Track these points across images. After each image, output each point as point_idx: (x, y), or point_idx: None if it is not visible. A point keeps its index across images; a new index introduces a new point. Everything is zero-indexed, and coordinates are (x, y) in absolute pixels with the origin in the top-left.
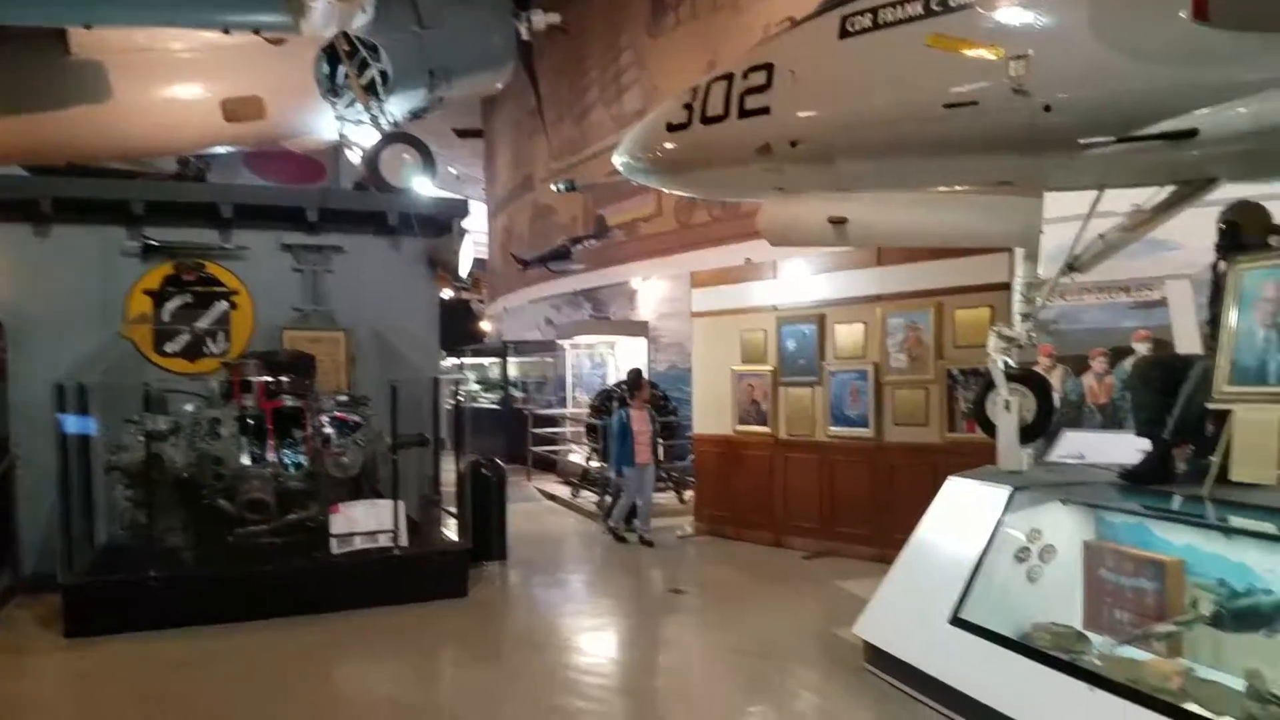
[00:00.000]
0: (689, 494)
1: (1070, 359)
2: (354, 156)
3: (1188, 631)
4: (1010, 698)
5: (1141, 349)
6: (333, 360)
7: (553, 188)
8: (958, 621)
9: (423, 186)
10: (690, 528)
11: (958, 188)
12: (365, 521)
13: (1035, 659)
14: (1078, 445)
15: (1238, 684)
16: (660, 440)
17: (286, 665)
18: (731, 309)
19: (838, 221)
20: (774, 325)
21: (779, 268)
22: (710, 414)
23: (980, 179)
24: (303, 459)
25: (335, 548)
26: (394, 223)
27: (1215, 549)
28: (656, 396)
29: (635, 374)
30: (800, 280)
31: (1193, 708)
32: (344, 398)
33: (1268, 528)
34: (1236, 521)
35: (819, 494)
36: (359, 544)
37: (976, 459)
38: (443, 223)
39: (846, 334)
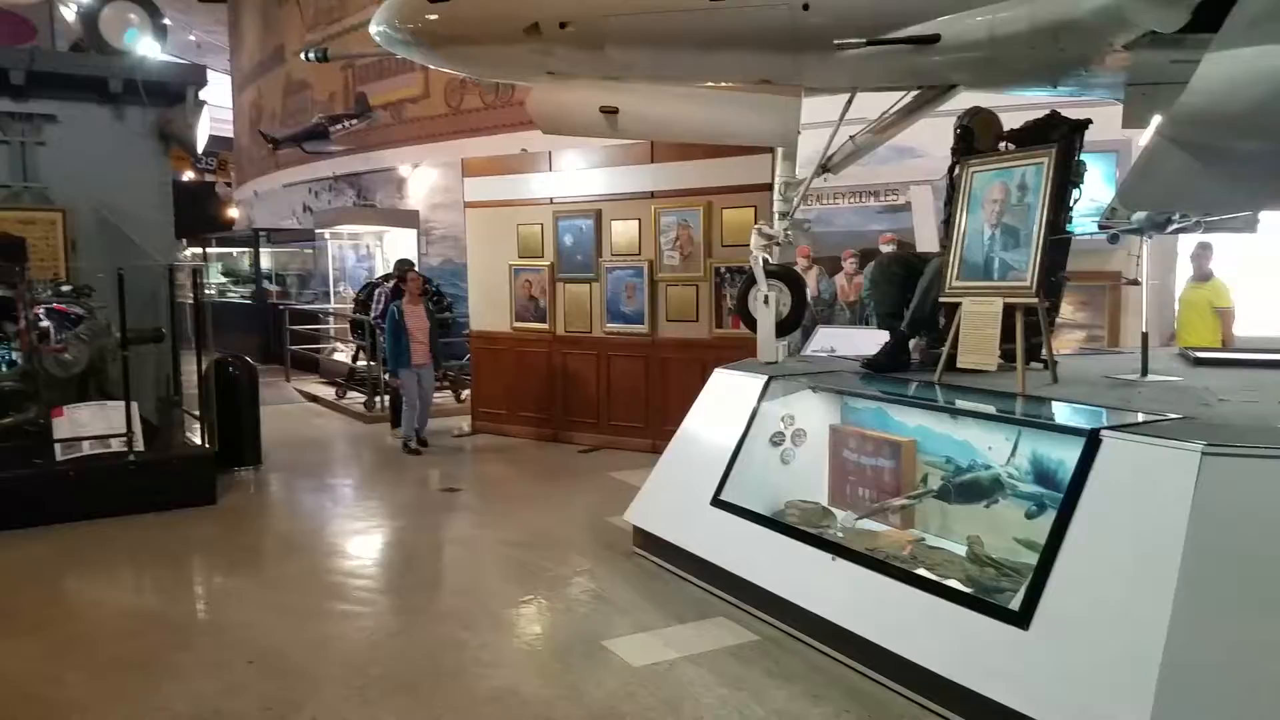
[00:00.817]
0: (465, 393)
1: (825, 259)
2: (69, 14)
3: (919, 505)
4: (764, 570)
5: (887, 251)
6: (48, 244)
7: (303, 56)
8: (718, 503)
9: (151, 51)
10: (467, 426)
11: (723, 83)
12: (93, 425)
13: (786, 534)
14: (830, 340)
15: (961, 550)
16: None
17: (6, 580)
18: (507, 200)
19: (609, 111)
20: (551, 219)
21: (555, 159)
22: (487, 311)
23: (743, 75)
24: (16, 356)
25: (60, 454)
26: (117, 90)
27: (944, 430)
28: (430, 292)
29: (403, 265)
30: (577, 174)
31: (922, 572)
32: (65, 287)
33: (987, 409)
34: (961, 404)
35: (596, 390)
36: (87, 449)
37: (742, 353)
38: (176, 91)
39: (622, 231)
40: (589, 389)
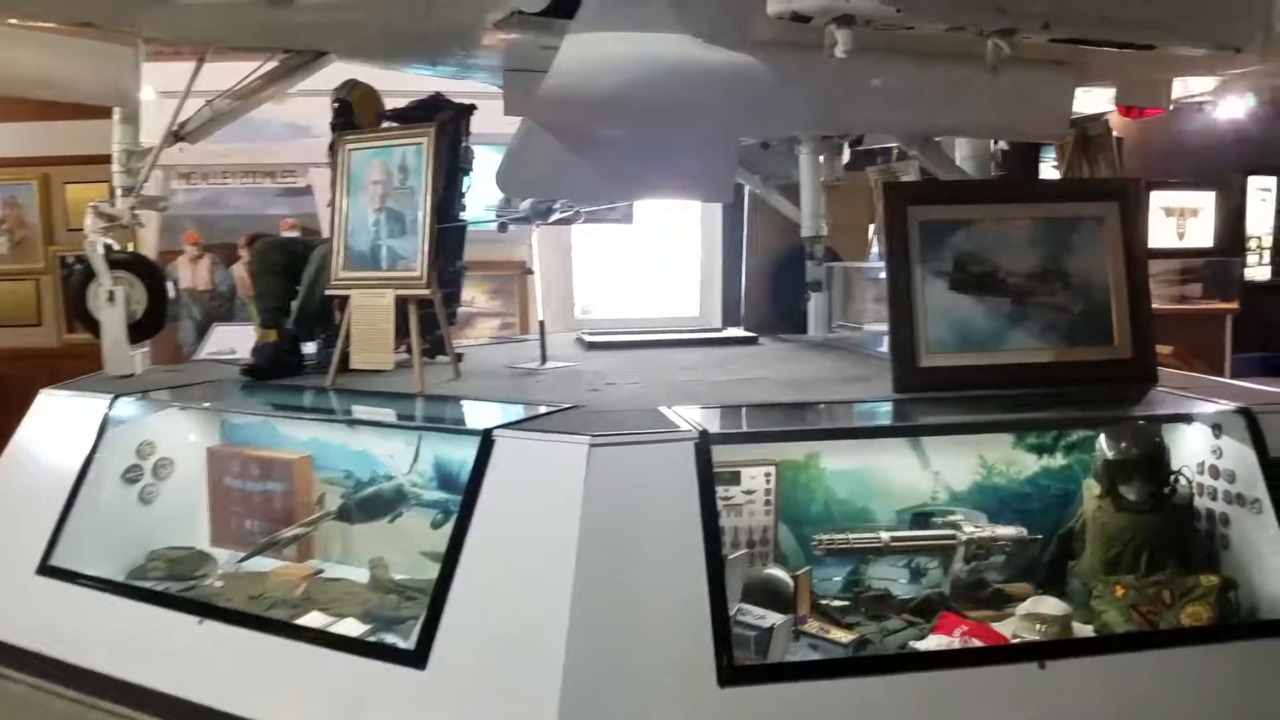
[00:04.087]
0: None
1: (220, 247)
2: None
3: (315, 531)
4: (108, 653)
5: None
6: None
7: None
8: (49, 570)
9: None
10: None
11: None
12: None
13: (140, 598)
14: (230, 340)
15: (364, 576)
16: None
17: None
18: None
19: None
20: None
21: None
22: None
23: (61, 13)
24: None
25: None
26: None
27: (341, 440)
28: None
29: None
30: None
31: (313, 617)
32: None
33: (385, 415)
34: (358, 411)
35: None
36: None
37: None
38: None
39: None
40: None
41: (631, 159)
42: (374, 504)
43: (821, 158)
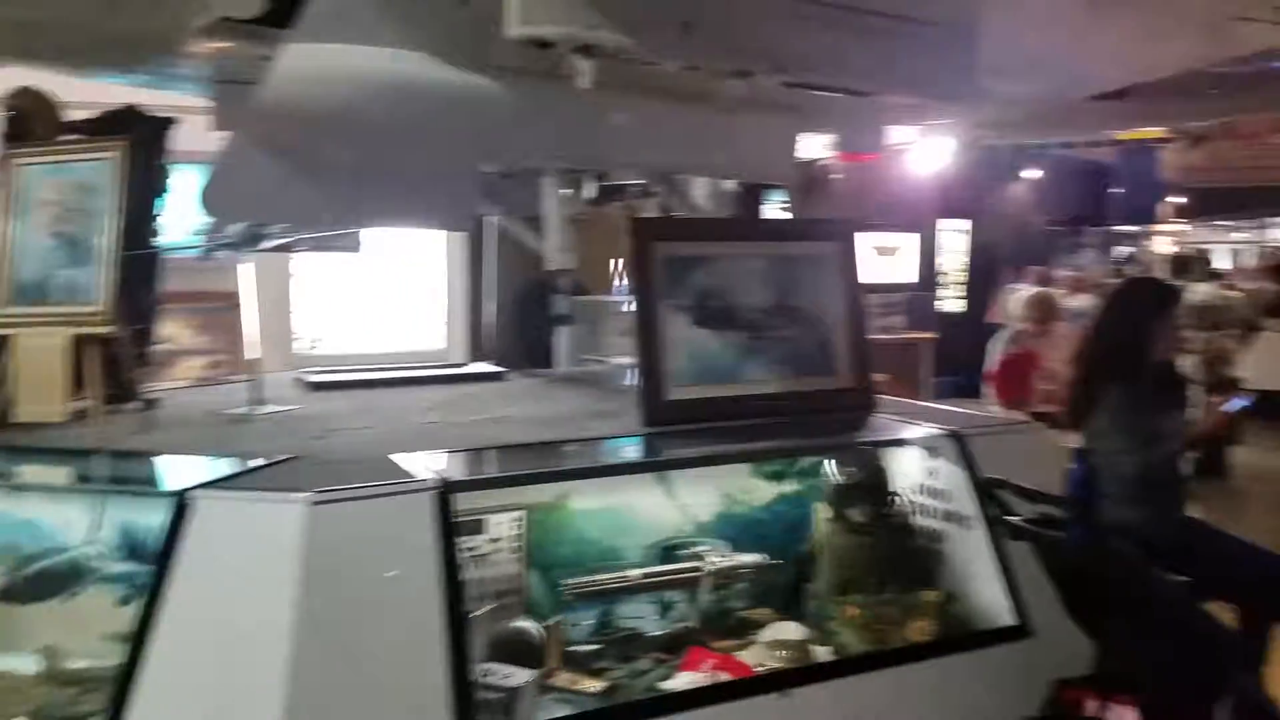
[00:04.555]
0: None
1: None
2: None
3: None
4: None
5: None
6: None
7: None
8: None
9: None
10: None
11: None
12: None
13: None
14: None
15: (34, 667)
16: None
17: None
18: None
19: None
20: None
21: None
22: None
23: None
24: None
25: None
26: None
27: (3, 508)
28: None
29: None
30: None
31: None
32: None
33: (57, 476)
34: (23, 472)
35: None
36: None
37: None
38: None
39: None
40: None
41: (358, 182)
42: (44, 581)
43: (567, 191)
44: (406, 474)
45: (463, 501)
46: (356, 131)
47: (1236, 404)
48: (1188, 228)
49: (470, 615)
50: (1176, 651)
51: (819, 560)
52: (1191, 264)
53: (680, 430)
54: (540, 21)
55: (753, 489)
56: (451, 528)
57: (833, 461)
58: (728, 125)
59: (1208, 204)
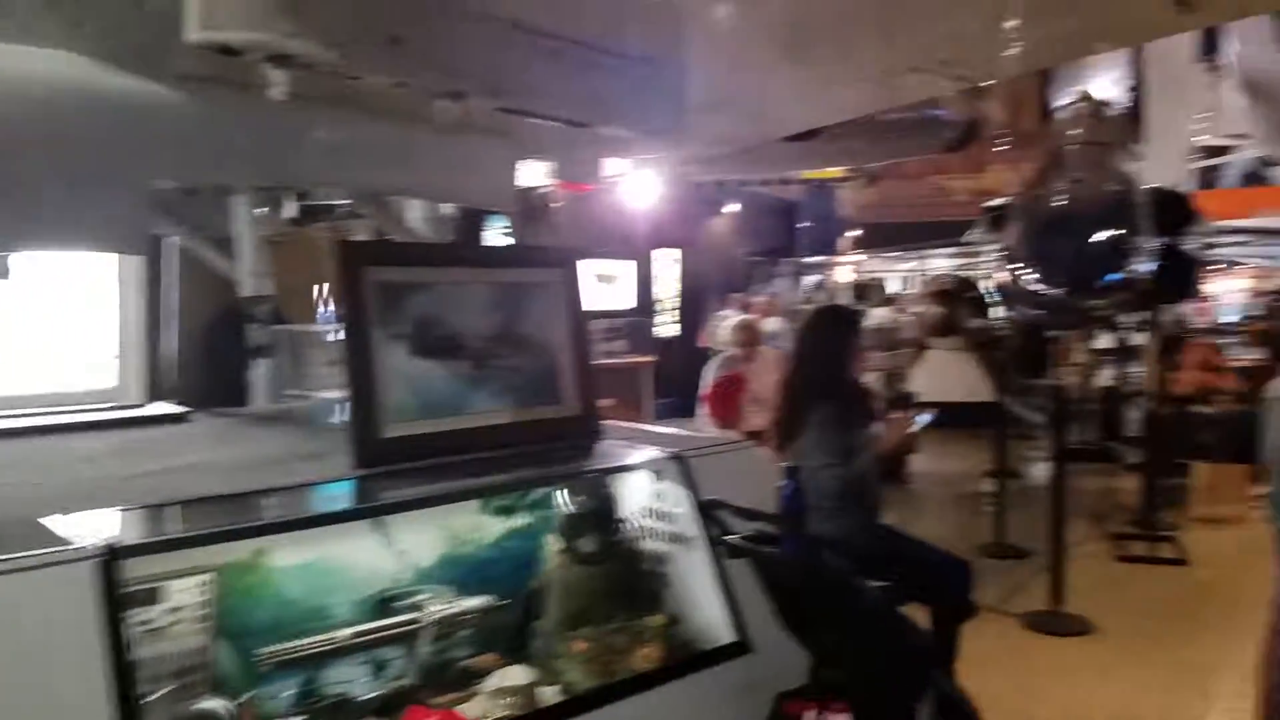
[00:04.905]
0: None
1: None
2: None
3: None
4: None
5: None
6: None
7: None
8: None
9: None
10: None
11: None
12: None
13: None
14: None
15: None
16: None
17: None
18: None
19: None
20: None
21: None
22: None
23: None
24: None
25: None
26: None
27: None
28: None
29: None
30: None
31: None
32: None
33: None
34: None
35: None
36: None
37: None
38: None
39: None
40: None
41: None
42: None
43: (263, 210)
44: (61, 540)
45: (135, 568)
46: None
47: (924, 419)
48: (864, 258)
49: (144, 700)
50: (880, 656)
51: (548, 596)
52: (870, 291)
53: (398, 470)
54: (224, 26)
55: (479, 527)
56: (119, 600)
57: (564, 491)
58: (443, 147)
59: (880, 237)
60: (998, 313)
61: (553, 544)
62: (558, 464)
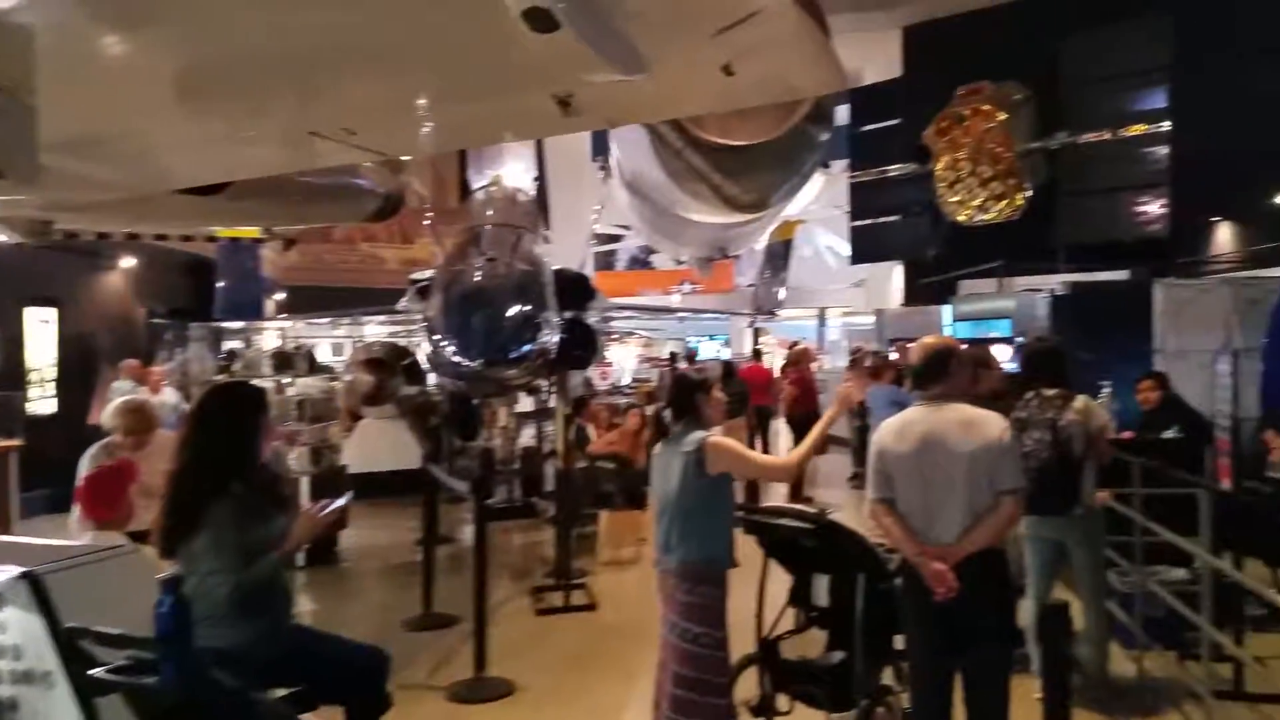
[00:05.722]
0: None
1: None
2: None
3: None
4: None
5: None
6: None
7: None
8: None
9: None
10: None
11: None
12: None
13: None
14: None
15: None
16: None
17: None
18: None
19: None
20: None
21: None
22: None
23: None
24: None
25: None
26: None
27: None
28: None
29: None
30: None
31: None
32: None
33: None
34: None
35: None
36: None
37: None
38: None
39: None
40: None
41: None
42: None
43: None
44: None
45: None
46: None
47: (338, 504)
48: (291, 324)
49: None
50: None
51: None
52: (294, 359)
53: None
54: None
55: None
56: None
57: None
58: None
59: (308, 301)
60: (431, 380)
61: None
62: None
